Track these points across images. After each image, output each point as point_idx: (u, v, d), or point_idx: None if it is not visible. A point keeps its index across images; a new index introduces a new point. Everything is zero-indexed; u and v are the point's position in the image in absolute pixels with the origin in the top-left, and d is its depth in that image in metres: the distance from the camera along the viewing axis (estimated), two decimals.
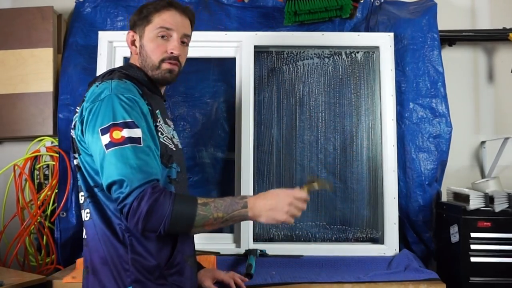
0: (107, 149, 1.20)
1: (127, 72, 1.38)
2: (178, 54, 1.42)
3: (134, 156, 1.19)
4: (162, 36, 1.40)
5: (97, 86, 1.31)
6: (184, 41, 1.45)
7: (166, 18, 1.41)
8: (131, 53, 1.49)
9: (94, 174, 1.30)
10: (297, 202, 1.31)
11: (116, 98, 1.24)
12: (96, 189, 1.31)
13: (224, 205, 1.26)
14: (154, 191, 1.18)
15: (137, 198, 1.17)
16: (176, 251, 1.32)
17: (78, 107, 1.36)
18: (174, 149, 1.37)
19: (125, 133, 1.21)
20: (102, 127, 1.22)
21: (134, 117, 1.24)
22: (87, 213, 1.34)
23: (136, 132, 1.22)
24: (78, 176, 1.36)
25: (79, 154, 1.33)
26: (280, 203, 1.29)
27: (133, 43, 1.46)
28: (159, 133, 1.33)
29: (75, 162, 1.36)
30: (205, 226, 1.24)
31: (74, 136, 1.34)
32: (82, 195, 1.36)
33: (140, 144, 1.21)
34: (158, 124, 1.33)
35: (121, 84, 1.29)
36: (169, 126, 1.45)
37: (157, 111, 1.37)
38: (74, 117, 1.35)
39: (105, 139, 1.21)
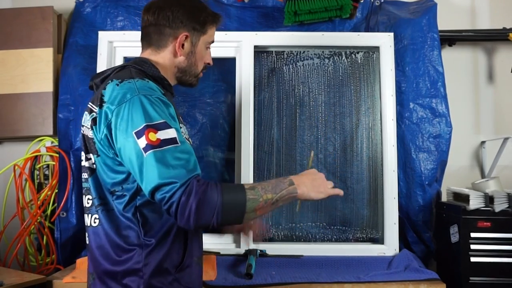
0: (145, 152, 1.16)
1: (142, 68, 1.34)
2: None
3: (173, 157, 1.16)
4: (207, 48, 1.48)
5: (117, 85, 1.25)
6: None
7: (214, 33, 1.49)
8: (141, 48, 1.43)
9: (114, 177, 1.26)
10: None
11: (145, 98, 1.20)
12: (113, 196, 1.27)
13: (271, 186, 1.25)
14: (199, 183, 1.15)
15: (184, 194, 1.13)
16: (186, 255, 1.31)
17: (91, 104, 1.29)
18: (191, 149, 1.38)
19: (161, 134, 1.17)
20: (136, 130, 1.17)
21: (165, 117, 1.21)
22: (95, 219, 1.30)
23: (170, 133, 1.19)
24: (89, 178, 1.31)
25: (98, 156, 1.27)
26: (320, 179, 1.33)
27: (182, 45, 1.41)
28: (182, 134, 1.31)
29: (88, 163, 1.31)
30: (256, 210, 1.21)
31: (91, 136, 1.27)
32: (89, 199, 1.32)
33: (177, 143, 1.18)
34: (179, 125, 1.31)
35: (146, 84, 1.26)
36: (184, 124, 1.44)
37: (174, 110, 1.35)
38: (89, 116, 1.29)
39: (142, 142, 1.16)
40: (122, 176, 1.25)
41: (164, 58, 1.40)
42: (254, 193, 1.21)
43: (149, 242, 1.26)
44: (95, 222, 1.31)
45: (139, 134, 1.17)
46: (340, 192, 1.36)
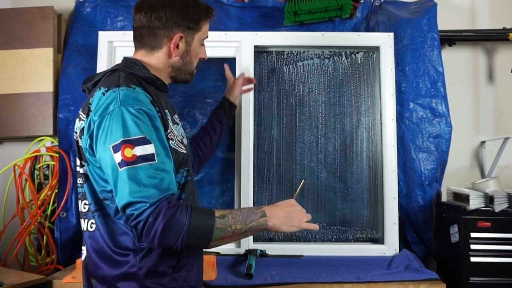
0: (120, 167, 1.16)
1: (132, 71, 1.33)
2: None
3: (147, 175, 1.15)
4: (202, 44, 1.46)
5: (103, 94, 1.24)
6: None
7: (208, 28, 1.46)
8: (135, 48, 1.41)
9: (104, 185, 1.26)
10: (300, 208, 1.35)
11: (126, 111, 1.18)
12: (106, 202, 1.27)
13: (242, 216, 1.23)
14: (169, 205, 1.15)
15: (152, 214, 1.13)
16: (183, 255, 1.31)
17: (81, 112, 1.30)
18: (185, 151, 1.35)
19: (137, 150, 1.16)
20: (114, 144, 1.17)
21: (145, 132, 1.19)
22: (92, 224, 1.31)
23: (148, 149, 1.17)
24: (85, 184, 1.31)
25: (88, 164, 1.28)
26: (295, 211, 1.32)
27: (177, 45, 1.39)
28: (170, 141, 1.29)
29: (82, 170, 1.32)
30: (223, 239, 1.21)
31: (80, 145, 1.29)
32: (86, 204, 1.32)
33: (154, 160, 1.17)
34: (168, 131, 1.29)
35: (130, 94, 1.23)
36: (178, 123, 1.43)
37: (166, 111, 1.33)
38: (79, 124, 1.30)
39: (118, 157, 1.16)
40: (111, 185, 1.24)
41: (158, 59, 1.40)
42: (223, 222, 1.20)
43: (142, 246, 1.25)
44: (91, 227, 1.31)
45: (115, 149, 1.17)
46: (315, 227, 1.35)
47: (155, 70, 1.38)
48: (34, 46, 2.29)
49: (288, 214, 1.30)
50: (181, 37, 1.38)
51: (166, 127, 1.28)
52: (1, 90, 2.29)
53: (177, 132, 1.36)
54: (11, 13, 2.32)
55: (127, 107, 1.19)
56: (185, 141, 1.41)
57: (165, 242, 1.15)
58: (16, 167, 2.25)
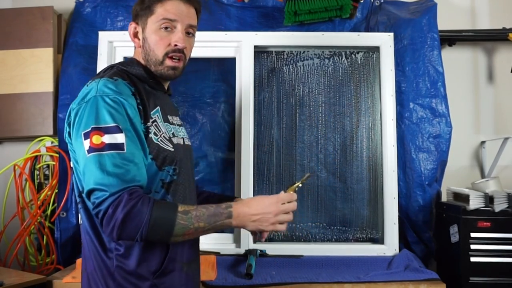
0: (88, 154, 1.15)
1: (126, 68, 1.32)
2: (183, 47, 1.33)
3: (113, 163, 1.13)
4: (166, 28, 1.32)
5: (87, 85, 1.25)
6: (190, 31, 1.36)
7: (170, 9, 1.32)
8: (134, 47, 1.40)
9: (79, 178, 1.26)
10: (285, 207, 1.25)
11: (100, 100, 1.18)
12: (84, 195, 1.24)
13: (207, 214, 1.18)
14: (131, 197, 1.12)
15: (112, 205, 1.11)
16: (167, 259, 1.26)
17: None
18: (171, 149, 1.29)
19: (106, 138, 1.15)
20: (85, 131, 1.17)
21: (119, 121, 1.17)
22: (80, 216, 1.31)
23: (118, 138, 1.16)
24: (72, 176, 1.33)
25: (70, 155, 1.29)
26: (266, 215, 1.23)
27: (135, 35, 1.37)
28: (152, 134, 1.26)
29: (71, 163, 1.31)
30: (185, 235, 1.17)
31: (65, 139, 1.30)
32: (76, 197, 1.33)
33: (123, 150, 1.15)
34: (150, 124, 1.26)
35: (109, 84, 1.21)
36: (172, 123, 1.37)
37: (156, 109, 1.30)
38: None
39: (87, 144, 1.16)
40: None
41: (138, 55, 1.38)
42: (186, 218, 1.16)
43: (119, 247, 1.23)
44: (81, 220, 1.31)
45: (86, 136, 1.17)
46: (282, 228, 1.26)
47: (145, 67, 1.36)
48: (34, 46, 2.29)
49: (259, 218, 1.22)
50: (135, 26, 1.36)
51: (146, 120, 1.25)
52: (1, 90, 2.29)
53: (166, 129, 1.32)
54: (11, 13, 2.32)
55: (103, 96, 1.19)
56: (176, 140, 1.34)
57: (124, 234, 1.13)
58: (16, 167, 2.25)
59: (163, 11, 1.31)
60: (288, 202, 1.26)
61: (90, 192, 1.14)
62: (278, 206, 1.24)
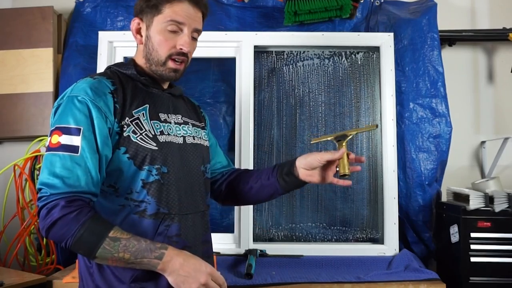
0: (46, 151, 1.18)
1: (118, 68, 1.32)
2: (188, 51, 1.31)
3: (62, 165, 1.13)
4: (172, 30, 1.29)
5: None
6: (195, 36, 1.34)
7: (178, 11, 1.28)
8: (137, 44, 1.36)
9: None
10: (212, 285, 1.16)
11: (70, 100, 1.19)
12: None
13: (137, 247, 1.13)
14: (69, 205, 1.11)
15: (47, 207, 1.11)
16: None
17: None
18: (154, 147, 1.24)
19: (63, 139, 1.15)
20: (51, 129, 1.19)
21: (81, 124, 1.16)
22: None
23: (75, 140, 1.15)
24: None
25: None
26: (193, 278, 1.14)
27: (138, 31, 1.33)
28: (130, 132, 1.21)
29: None
30: (108, 260, 1.13)
31: None
32: None
33: (76, 153, 1.14)
34: (128, 122, 1.22)
35: (84, 84, 1.21)
36: (165, 121, 1.30)
37: (143, 107, 1.26)
38: None
39: (47, 141, 1.18)
40: None
41: (139, 52, 1.36)
42: (113, 245, 1.11)
43: None
44: None
45: (50, 133, 1.19)
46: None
47: (140, 66, 1.34)
48: (34, 46, 2.30)
49: (187, 275, 1.14)
50: (139, 23, 1.33)
51: (122, 118, 1.22)
52: (1, 90, 2.29)
53: (150, 127, 1.26)
54: (11, 13, 2.32)
55: (73, 97, 1.20)
56: (163, 138, 1.27)
57: (52, 238, 1.14)
58: (16, 167, 2.25)
59: (172, 12, 1.29)
60: (218, 284, 1.18)
61: (39, 190, 1.16)
62: (208, 279, 1.15)
